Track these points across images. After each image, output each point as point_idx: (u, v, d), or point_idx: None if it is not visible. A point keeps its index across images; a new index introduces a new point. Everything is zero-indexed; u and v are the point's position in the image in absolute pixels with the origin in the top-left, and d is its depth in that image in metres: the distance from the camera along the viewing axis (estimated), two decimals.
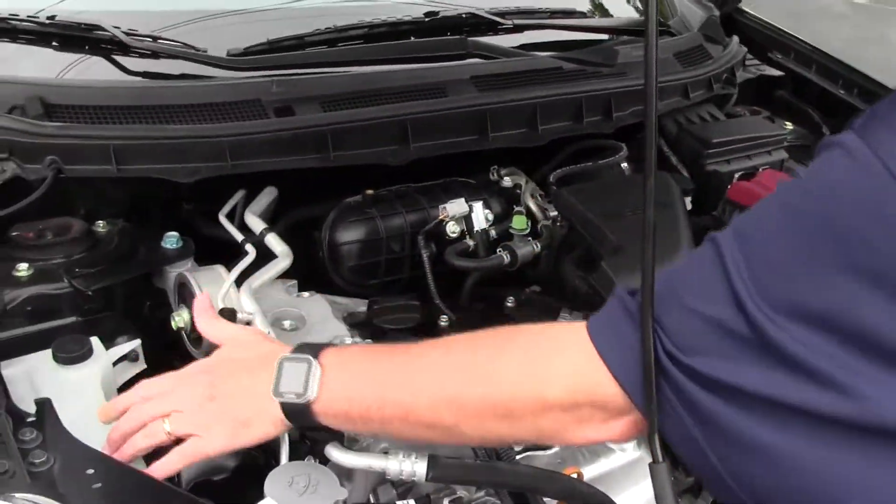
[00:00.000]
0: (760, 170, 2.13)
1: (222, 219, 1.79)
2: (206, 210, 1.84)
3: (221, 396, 1.27)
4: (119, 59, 1.86)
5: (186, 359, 1.69)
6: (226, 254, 1.71)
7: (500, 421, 1.16)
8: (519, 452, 1.64)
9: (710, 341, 0.97)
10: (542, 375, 1.14)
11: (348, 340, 1.56)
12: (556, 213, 1.90)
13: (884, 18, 8.78)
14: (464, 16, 2.24)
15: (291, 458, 1.35)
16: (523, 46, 2.29)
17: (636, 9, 2.72)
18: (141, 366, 1.57)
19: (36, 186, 1.57)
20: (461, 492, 1.45)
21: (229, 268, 1.63)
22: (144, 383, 1.36)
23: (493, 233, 1.84)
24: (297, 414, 1.22)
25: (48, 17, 1.86)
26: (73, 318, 1.57)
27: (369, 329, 1.71)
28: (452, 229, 1.79)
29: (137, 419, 1.30)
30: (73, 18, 1.86)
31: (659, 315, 1.02)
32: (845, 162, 0.92)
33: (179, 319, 1.61)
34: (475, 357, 1.20)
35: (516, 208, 1.89)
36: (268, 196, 1.84)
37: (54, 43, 1.87)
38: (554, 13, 2.44)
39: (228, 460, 1.44)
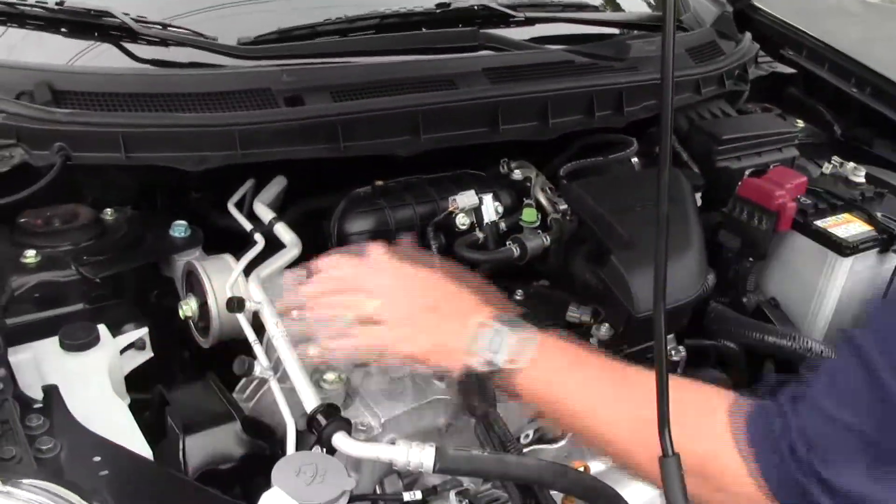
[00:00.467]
0: (771, 167, 2.11)
1: (231, 208, 1.79)
2: (214, 199, 1.84)
3: (439, 312, 1.29)
4: (128, 46, 1.86)
5: (194, 348, 1.70)
6: (234, 243, 1.71)
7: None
8: (526, 446, 1.64)
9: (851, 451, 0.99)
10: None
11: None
12: (565, 206, 1.89)
13: None
14: (476, 7, 2.24)
15: (298, 448, 1.35)
16: (535, 39, 2.28)
17: (648, 3, 2.71)
18: (148, 354, 1.57)
19: (44, 173, 1.57)
20: (468, 484, 1.45)
21: (238, 257, 1.62)
22: (350, 264, 1.37)
23: (502, 225, 1.82)
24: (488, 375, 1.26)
25: (57, 3, 1.85)
26: (80, 306, 1.57)
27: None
28: (462, 221, 1.78)
29: (347, 284, 1.33)
30: (82, 5, 1.85)
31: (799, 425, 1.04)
32: None
33: (187, 308, 1.60)
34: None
35: (526, 201, 1.88)
36: (277, 185, 1.84)
37: (63, 29, 1.87)
38: (566, 6, 2.44)
39: (236, 449, 1.43)
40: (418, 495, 1.36)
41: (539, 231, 1.82)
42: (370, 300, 1.29)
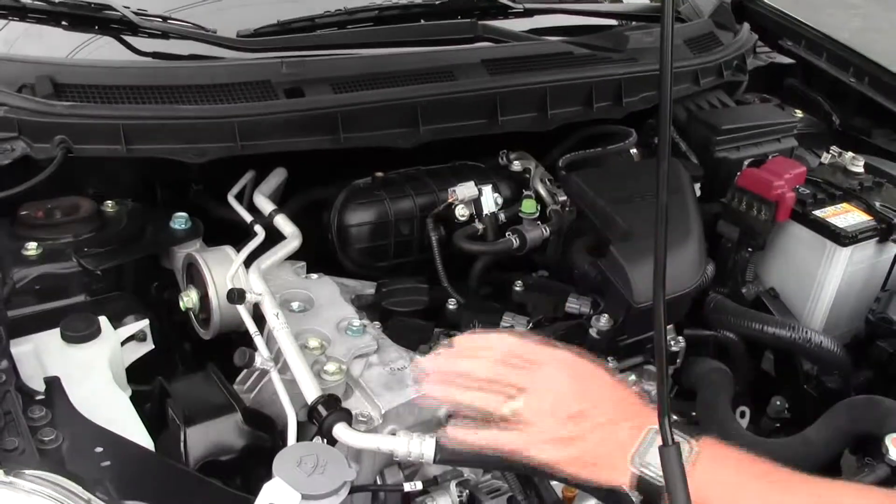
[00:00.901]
0: (770, 157, 2.11)
1: (231, 199, 1.79)
2: (215, 191, 1.84)
3: (587, 421, 1.15)
4: (128, 39, 1.86)
5: (194, 340, 1.70)
6: (235, 235, 1.71)
7: None
8: None
9: None
10: None
11: (356, 322, 1.56)
12: (565, 197, 1.89)
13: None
14: None
15: (299, 439, 1.35)
16: (534, 31, 2.29)
17: None
18: (149, 345, 1.57)
19: (45, 166, 1.57)
20: (468, 474, 1.45)
21: (238, 249, 1.63)
22: (517, 334, 1.27)
23: (502, 216, 1.83)
24: (647, 488, 1.11)
25: None
26: (81, 298, 1.57)
27: (378, 311, 1.71)
28: (461, 212, 1.79)
29: (492, 374, 1.18)
30: None
31: None
32: None
33: (188, 300, 1.61)
34: None
35: (525, 193, 1.88)
36: (277, 177, 1.84)
37: (64, 23, 1.87)
38: None
39: (237, 440, 1.44)
40: (419, 485, 1.37)
41: (538, 222, 1.82)
42: (514, 401, 1.17)
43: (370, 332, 1.57)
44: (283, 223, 1.71)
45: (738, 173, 2.01)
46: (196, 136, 1.66)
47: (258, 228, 1.68)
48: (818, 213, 1.94)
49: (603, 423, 1.15)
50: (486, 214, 1.81)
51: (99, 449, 1.21)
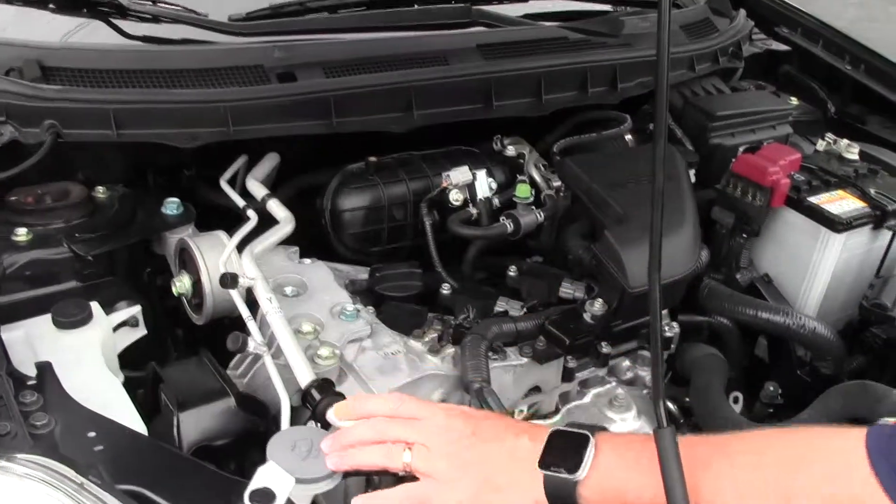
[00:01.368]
0: (765, 143, 2.11)
1: (223, 184, 1.78)
2: (207, 176, 1.83)
3: (478, 450, 1.15)
4: (118, 22, 1.84)
5: (187, 326, 1.69)
6: (228, 221, 1.70)
7: None
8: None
9: None
10: None
11: (349, 307, 1.55)
12: (559, 182, 1.88)
13: None
14: None
15: (293, 423, 1.35)
16: (529, 15, 2.28)
17: None
18: (141, 331, 1.57)
19: (34, 151, 1.56)
20: None
21: (231, 234, 1.62)
22: (396, 397, 1.24)
23: (496, 201, 1.82)
24: (559, 490, 1.09)
25: None
26: (72, 283, 1.56)
27: (371, 296, 1.70)
28: (455, 197, 1.78)
29: (380, 433, 1.19)
30: None
31: None
32: None
33: (180, 285, 1.60)
34: (770, 473, 1.06)
35: (519, 177, 1.87)
36: (270, 162, 1.83)
37: (52, 6, 1.85)
38: None
39: (230, 425, 1.43)
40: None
41: (532, 207, 1.81)
42: (404, 454, 1.17)
43: (364, 317, 1.56)
44: (275, 208, 1.70)
45: (733, 159, 2.00)
46: (188, 121, 1.65)
47: (251, 213, 1.67)
48: (813, 199, 1.93)
49: (495, 446, 1.15)
50: (481, 199, 1.80)
51: (92, 433, 1.20)
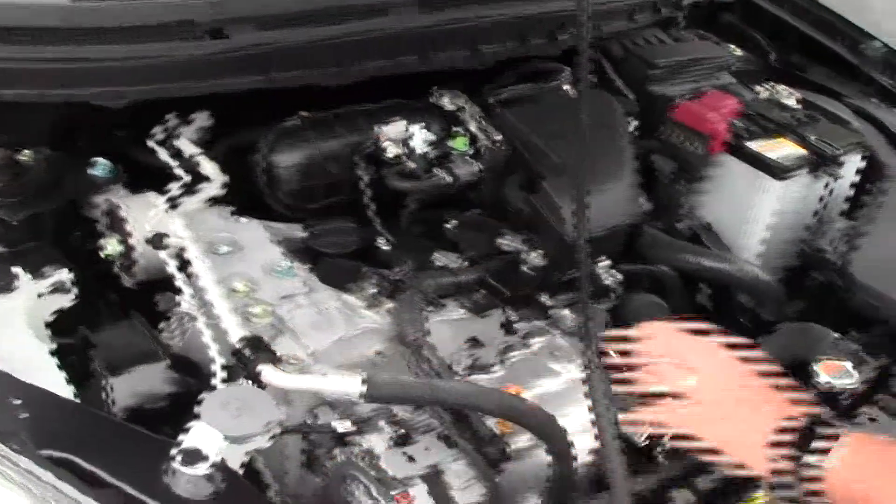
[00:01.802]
0: (706, 92, 2.10)
1: (151, 143, 1.74)
2: (138, 136, 1.79)
3: (751, 406, 1.15)
4: None
5: (119, 289, 1.66)
6: (164, 182, 1.66)
7: None
8: (460, 374, 1.64)
9: None
10: None
11: (283, 264, 1.53)
12: (498, 134, 1.86)
13: None
14: None
15: (229, 383, 1.33)
16: None
17: None
18: (71, 296, 1.53)
19: None
20: (401, 413, 1.44)
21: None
22: (672, 335, 1.20)
23: (433, 154, 1.79)
24: (780, 478, 1.09)
25: None
26: None
27: (308, 253, 1.67)
28: (391, 150, 1.75)
29: (657, 376, 1.17)
30: None
31: None
32: None
33: (109, 247, 1.56)
34: None
35: (457, 129, 1.84)
36: (200, 120, 1.79)
37: None
38: None
39: (164, 387, 1.41)
40: (349, 425, 1.35)
41: (470, 159, 1.79)
42: (688, 377, 1.16)
43: (298, 274, 1.54)
44: (206, 166, 1.66)
45: (674, 107, 1.99)
46: (115, 79, 1.59)
47: (181, 172, 1.64)
48: (752, 146, 1.93)
49: (766, 410, 1.13)
50: (417, 152, 1.77)
51: (14, 400, 1.17)
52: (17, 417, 1.15)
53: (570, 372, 1.67)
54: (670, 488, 1.51)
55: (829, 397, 1.62)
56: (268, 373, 1.26)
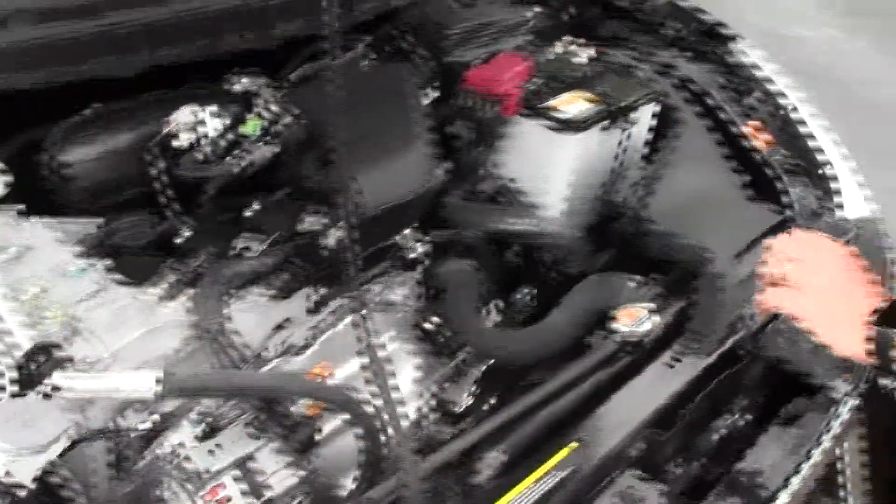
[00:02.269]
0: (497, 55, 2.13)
1: None
2: None
3: (831, 287, 1.31)
4: None
5: None
6: None
7: None
8: (269, 360, 1.64)
9: None
10: None
11: (75, 265, 1.49)
12: (297, 112, 1.85)
13: None
14: None
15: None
16: None
17: None
18: None
19: None
20: (209, 404, 1.43)
21: None
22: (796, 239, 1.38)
23: (226, 140, 1.77)
24: (883, 347, 1.22)
25: None
26: None
27: (104, 251, 1.64)
28: (183, 139, 1.72)
29: (777, 275, 1.34)
30: None
31: None
32: None
33: None
34: None
35: (249, 114, 1.83)
36: None
37: None
38: None
39: None
40: (148, 424, 1.34)
41: (263, 142, 1.77)
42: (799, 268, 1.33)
43: (92, 274, 1.50)
44: None
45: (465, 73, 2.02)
46: None
47: None
48: (545, 104, 1.97)
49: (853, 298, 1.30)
50: (210, 139, 1.75)
51: None
52: None
53: (384, 343, 1.70)
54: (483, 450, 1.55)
55: (631, 343, 1.69)
56: (59, 379, 1.24)
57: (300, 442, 1.39)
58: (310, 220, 1.71)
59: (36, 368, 1.25)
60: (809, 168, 2.23)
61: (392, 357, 1.73)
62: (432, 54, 2.16)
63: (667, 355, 1.73)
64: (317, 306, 1.68)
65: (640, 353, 1.70)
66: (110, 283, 1.51)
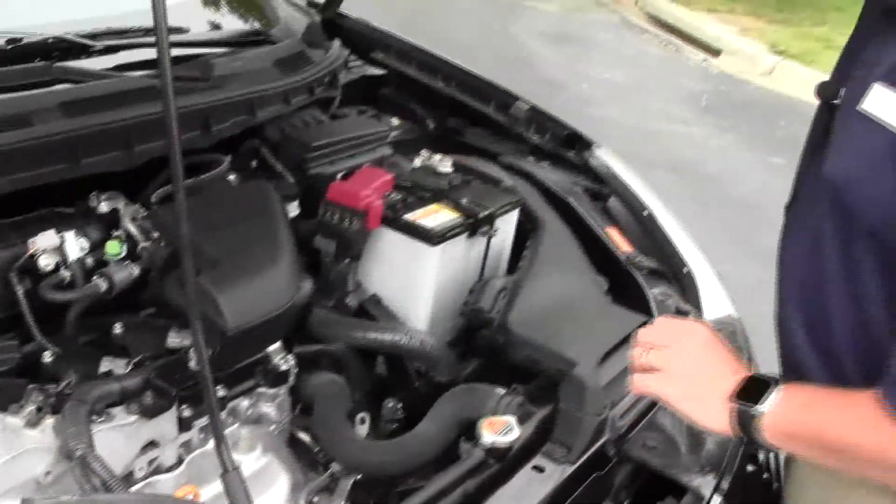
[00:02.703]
0: (359, 169, 2.19)
1: None
2: None
3: (695, 368, 1.41)
4: None
5: None
6: None
7: None
8: (139, 479, 1.62)
9: None
10: None
11: None
12: (157, 233, 1.86)
13: (512, 12, 9.44)
14: (50, 41, 2.15)
15: None
16: (119, 67, 2.23)
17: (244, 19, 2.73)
18: None
19: None
20: None
21: None
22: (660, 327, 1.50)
23: (89, 261, 1.76)
24: (744, 421, 1.31)
25: None
26: None
27: None
28: (45, 262, 1.70)
29: (643, 363, 1.44)
30: None
31: None
32: None
33: None
34: None
35: (114, 233, 1.83)
36: None
37: None
38: (148, 31, 2.39)
39: None
40: None
41: (126, 263, 1.77)
42: (658, 353, 1.43)
43: None
44: None
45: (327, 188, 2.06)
46: None
47: None
48: (408, 216, 2.02)
49: (707, 370, 1.41)
50: (73, 261, 1.74)
51: None
52: None
53: (256, 460, 1.69)
54: None
55: (498, 453, 1.70)
56: None
57: None
58: (172, 338, 1.70)
59: None
60: (668, 270, 2.32)
61: (262, 473, 1.73)
62: (294, 170, 2.21)
63: (535, 461, 1.75)
64: (183, 424, 1.66)
65: (508, 462, 1.72)
66: None
